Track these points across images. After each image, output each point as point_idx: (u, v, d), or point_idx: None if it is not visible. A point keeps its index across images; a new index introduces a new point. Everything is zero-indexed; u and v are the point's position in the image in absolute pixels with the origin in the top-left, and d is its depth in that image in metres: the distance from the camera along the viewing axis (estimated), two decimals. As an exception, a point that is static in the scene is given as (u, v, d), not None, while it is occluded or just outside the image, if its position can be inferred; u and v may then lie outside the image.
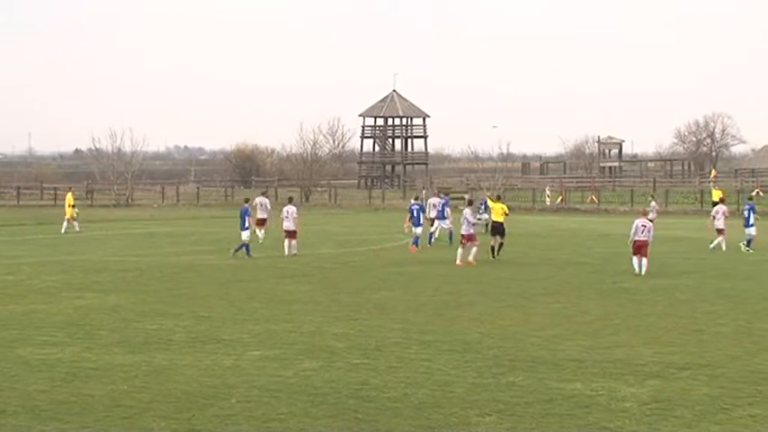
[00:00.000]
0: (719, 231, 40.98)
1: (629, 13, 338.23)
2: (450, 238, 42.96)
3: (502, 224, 38.04)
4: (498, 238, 37.67)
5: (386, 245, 44.96)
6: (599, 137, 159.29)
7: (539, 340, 19.94)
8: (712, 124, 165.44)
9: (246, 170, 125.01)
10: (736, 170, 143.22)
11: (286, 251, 38.13)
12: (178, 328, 21.40)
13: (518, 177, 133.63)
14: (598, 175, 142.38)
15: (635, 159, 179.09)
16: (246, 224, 38.52)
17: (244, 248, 38.02)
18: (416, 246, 41.75)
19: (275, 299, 26.19)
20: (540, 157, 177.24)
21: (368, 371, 16.99)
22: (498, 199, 41.64)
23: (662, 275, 31.19)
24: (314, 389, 15.67)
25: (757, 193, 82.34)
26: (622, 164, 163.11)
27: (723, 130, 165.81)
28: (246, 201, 41.80)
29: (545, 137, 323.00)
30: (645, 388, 15.66)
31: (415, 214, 42.77)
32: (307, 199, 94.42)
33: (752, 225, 40.95)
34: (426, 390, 15.60)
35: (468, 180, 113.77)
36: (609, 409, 14.38)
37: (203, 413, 14.30)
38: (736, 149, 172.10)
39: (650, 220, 45.54)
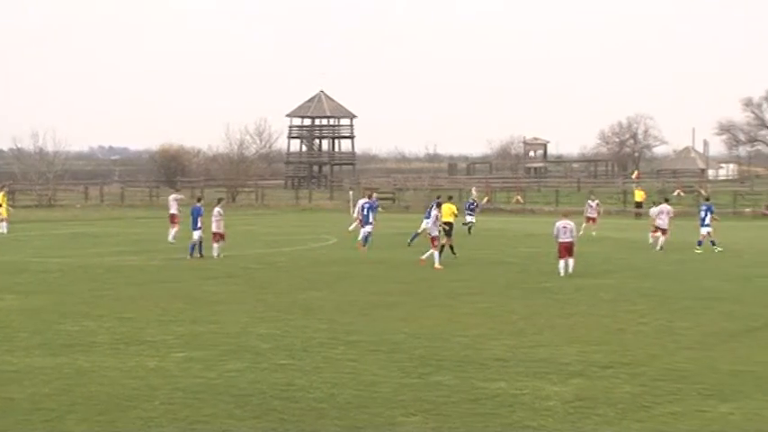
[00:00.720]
0: (662, 231, 41.67)
1: (554, 16, 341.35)
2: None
3: (452, 224, 38.97)
4: (448, 238, 37.98)
5: (317, 244, 44.87)
6: (525, 138, 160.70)
7: (465, 340, 20.03)
8: (635, 125, 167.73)
9: (172, 170, 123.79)
10: (658, 171, 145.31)
11: (215, 253, 37.61)
12: (101, 330, 21.16)
13: (444, 178, 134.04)
14: (524, 175, 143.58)
15: (560, 160, 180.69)
16: (199, 224, 38.14)
17: (195, 247, 37.76)
18: (365, 245, 42.01)
19: (200, 300, 26.01)
20: (467, 158, 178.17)
21: (293, 371, 16.94)
22: (449, 199, 42.15)
23: (585, 275, 31.50)
24: (238, 390, 15.59)
25: (678, 193, 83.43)
26: (547, 164, 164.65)
27: (645, 131, 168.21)
28: (199, 200, 41.49)
29: (472, 138, 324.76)
30: (568, 386, 15.81)
31: (365, 212, 43.17)
32: (233, 199, 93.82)
33: (707, 225, 41.66)
34: (352, 390, 15.60)
35: (396, 180, 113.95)
36: (533, 408, 14.50)
37: (126, 415, 14.16)
38: (659, 150, 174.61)
39: (592, 219, 46.29)
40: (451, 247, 37.71)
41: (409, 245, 41.77)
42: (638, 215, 67.51)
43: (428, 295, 27.08)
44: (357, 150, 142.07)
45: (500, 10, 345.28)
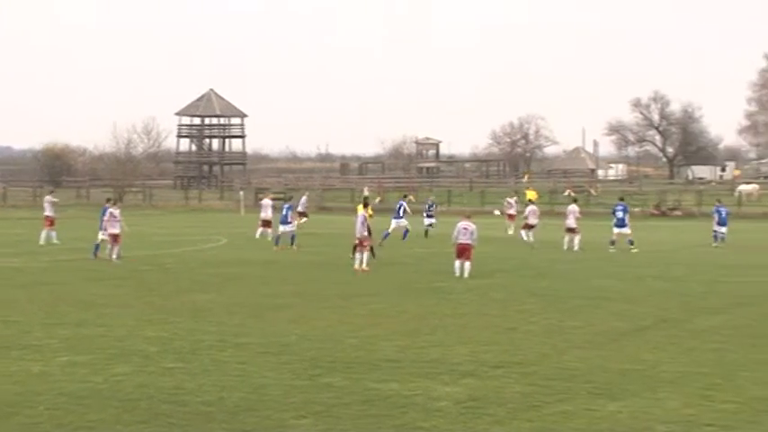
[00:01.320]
0: (572, 230, 42.24)
1: (443, 15, 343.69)
2: (277, 242, 42.83)
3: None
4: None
5: (207, 245, 44.36)
6: (417, 138, 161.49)
7: (356, 341, 19.91)
8: (526, 126, 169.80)
9: (56, 170, 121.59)
10: (549, 171, 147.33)
11: (114, 255, 36.49)
12: (-18, 334, 20.53)
13: (337, 178, 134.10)
14: (416, 175, 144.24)
15: (452, 160, 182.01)
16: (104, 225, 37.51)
17: (98, 247, 37.22)
18: (276, 241, 42.68)
19: (86, 302, 25.42)
20: (359, 158, 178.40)
21: (182, 375, 16.62)
22: (365, 200, 42.57)
23: (477, 275, 31.61)
24: (125, 394, 15.22)
25: (569, 193, 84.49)
26: (440, 164, 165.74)
27: (537, 132, 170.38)
28: (108, 201, 40.78)
29: (364, 138, 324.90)
30: (459, 387, 15.79)
31: (284, 212, 43.76)
32: (120, 199, 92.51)
33: (626, 225, 42.44)
34: (241, 393, 15.35)
35: (287, 180, 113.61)
36: (425, 409, 14.42)
37: (8, 422, 13.72)
38: (550, 150, 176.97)
39: (511, 216, 46.71)
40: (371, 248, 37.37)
41: (381, 245, 41.70)
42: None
43: (319, 296, 26.90)
44: (248, 150, 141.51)
45: (389, 7, 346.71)
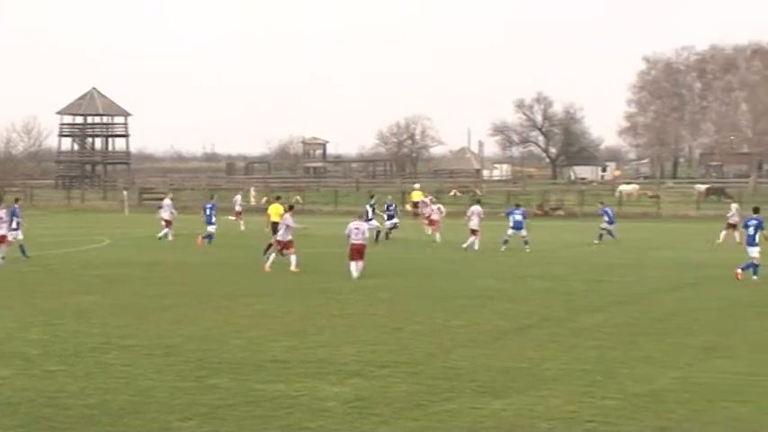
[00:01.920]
0: (473, 232, 42.61)
1: (329, 16, 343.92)
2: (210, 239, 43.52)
3: (278, 224, 37.81)
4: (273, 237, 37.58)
5: (90, 246, 43.66)
6: (303, 137, 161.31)
7: (242, 342, 19.81)
8: (413, 126, 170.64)
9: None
10: (435, 171, 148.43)
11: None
12: None
13: (223, 178, 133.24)
14: (303, 175, 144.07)
15: (339, 160, 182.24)
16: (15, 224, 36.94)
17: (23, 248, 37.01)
18: (208, 240, 43.68)
19: (-35, 304, 24.83)
20: (246, 158, 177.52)
21: (64, 378, 16.35)
22: (277, 199, 42.69)
23: (364, 275, 31.68)
24: (5, 398, 14.93)
25: (455, 194, 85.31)
26: (326, 164, 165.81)
27: (423, 132, 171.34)
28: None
29: (250, 137, 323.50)
30: (346, 387, 15.82)
31: (208, 212, 44.95)
32: (0, 200, 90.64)
33: (523, 227, 42.99)
34: (126, 396, 15.17)
35: (172, 180, 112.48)
36: (311, 409, 14.43)
37: None
38: (436, 151, 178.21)
39: (429, 219, 46.97)
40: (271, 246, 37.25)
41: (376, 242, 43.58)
42: (415, 215, 68.63)
43: (205, 297, 26.69)
44: (132, 149, 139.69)
45: (271, 7, 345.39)
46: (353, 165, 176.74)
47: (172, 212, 47.69)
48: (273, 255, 33.93)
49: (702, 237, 51.74)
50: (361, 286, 28.95)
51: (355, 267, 31.21)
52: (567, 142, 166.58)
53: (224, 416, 14.08)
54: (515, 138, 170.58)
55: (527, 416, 14.11)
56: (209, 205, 45.26)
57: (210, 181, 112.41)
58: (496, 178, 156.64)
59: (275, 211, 39.96)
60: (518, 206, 45.75)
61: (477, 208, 44.11)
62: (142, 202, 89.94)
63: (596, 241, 46.02)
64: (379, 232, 46.79)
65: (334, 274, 31.70)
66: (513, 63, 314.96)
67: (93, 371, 16.94)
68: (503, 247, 41.63)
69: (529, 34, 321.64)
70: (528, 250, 41.34)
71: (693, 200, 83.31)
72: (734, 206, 49.84)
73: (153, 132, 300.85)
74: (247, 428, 13.54)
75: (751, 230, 31.65)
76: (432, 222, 49.31)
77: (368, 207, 47.15)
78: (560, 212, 76.50)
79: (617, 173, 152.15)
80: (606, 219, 47.52)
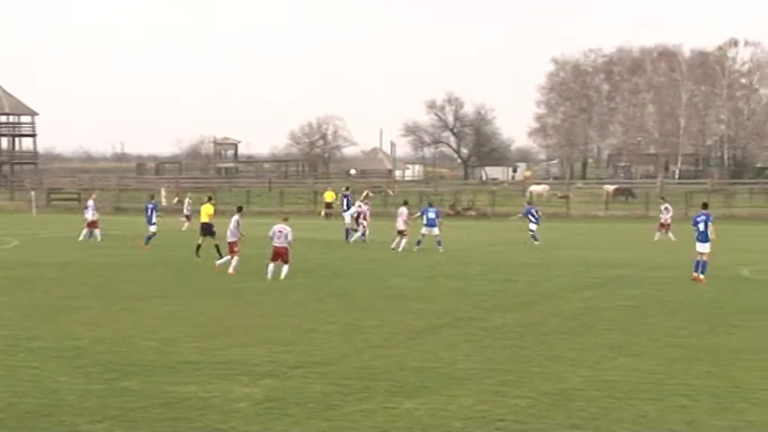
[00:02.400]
0: (401, 233, 42.78)
1: (233, 13, 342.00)
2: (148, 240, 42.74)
3: (210, 224, 38.61)
4: (204, 238, 38.20)
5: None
6: (215, 137, 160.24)
7: (153, 343, 19.62)
8: (325, 126, 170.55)
9: None
10: (347, 171, 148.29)
11: None
12: None
13: (133, 178, 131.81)
14: (214, 175, 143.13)
15: (251, 160, 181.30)
16: None
17: None
18: (146, 241, 42.91)
19: None
20: (156, 158, 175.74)
21: (-30, 381, 16.05)
22: (209, 200, 41.93)
23: (276, 276, 31.60)
24: None
25: (367, 194, 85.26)
26: (238, 165, 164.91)
27: (335, 132, 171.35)
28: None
29: (160, 137, 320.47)
30: (258, 388, 15.76)
31: (149, 213, 44.47)
32: None
33: (436, 225, 43.19)
34: (34, 398, 14.94)
35: (81, 180, 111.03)
36: (223, 411, 14.35)
37: None
38: (348, 151, 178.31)
39: (357, 220, 47.24)
40: (217, 247, 36.90)
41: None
42: (327, 215, 68.65)
43: (115, 298, 26.39)
44: (39, 149, 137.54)
45: (186, 3, 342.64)
46: (266, 165, 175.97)
47: (94, 213, 47.10)
48: (229, 257, 33.53)
49: (610, 237, 52.54)
50: (273, 287, 28.87)
51: (275, 269, 30.97)
52: (479, 143, 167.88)
53: (135, 418, 13.94)
54: (427, 138, 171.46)
55: (440, 415, 14.19)
56: (150, 205, 44.93)
57: (120, 181, 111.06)
58: (408, 178, 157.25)
59: (206, 211, 39.65)
60: (431, 205, 46.05)
61: (403, 210, 44.41)
62: (50, 203, 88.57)
63: (535, 243, 45.84)
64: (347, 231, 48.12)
65: (246, 275, 31.54)
66: (424, 63, 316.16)
67: (1, 373, 16.67)
68: (416, 248, 41.80)
69: (439, 34, 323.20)
70: (441, 251, 41.58)
71: (602, 200, 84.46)
72: (665, 206, 50.85)
73: (61, 132, 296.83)
74: (159, 431, 13.43)
75: (701, 227, 31.23)
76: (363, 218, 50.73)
77: (343, 199, 48.53)
78: (472, 212, 77.01)
79: (528, 173, 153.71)
80: (533, 219, 47.89)
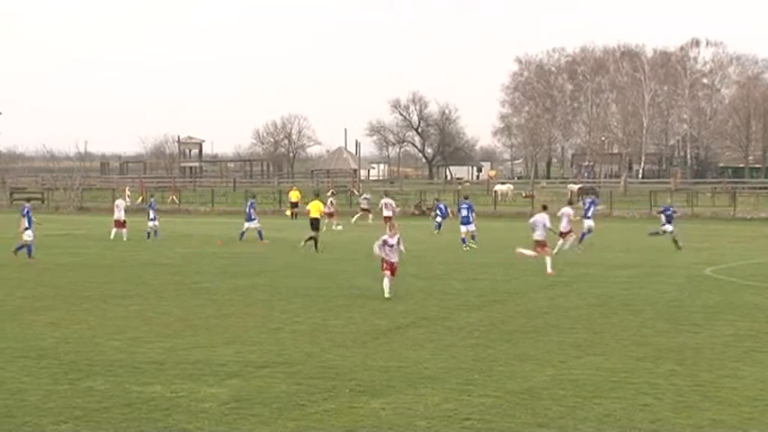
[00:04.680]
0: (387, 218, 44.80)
1: (201, 8, 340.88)
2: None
3: (318, 220, 42.41)
4: (316, 233, 41.58)
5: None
6: (179, 137, 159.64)
7: (117, 343, 19.53)
8: (289, 126, 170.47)
9: None
10: (312, 171, 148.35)
11: None
12: None
13: (97, 177, 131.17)
14: (179, 175, 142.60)
15: (215, 160, 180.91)
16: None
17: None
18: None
19: None
20: (120, 157, 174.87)
21: (-68, 383, 15.91)
22: (317, 197, 44.87)
23: (241, 275, 31.56)
24: None
25: (332, 193, 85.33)
26: (203, 164, 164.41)
27: (300, 132, 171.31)
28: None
29: (125, 136, 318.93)
30: (224, 388, 15.72)
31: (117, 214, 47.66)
32: None
33: (471, 222, 44.18)
34: (-3, 400, 14.84)
35: (45, 180, 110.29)
36: (189, 411, 14.30)
37: None
38: (313, 150, 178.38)
39: (330, 214, 47.88)
40: (310, 238, 41.11)
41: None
42: (293, 215, 68.54)
43: (79, 298, 26.25)
44: (1, 148, 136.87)
45: (142, 8, 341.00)
46: (230, 164, 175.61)
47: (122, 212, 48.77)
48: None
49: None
50: (238, 286, 28.80)
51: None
52: (443, 142, 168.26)
53: (99, 419, 13.86)
54: (392, 138, 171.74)
55: (405, 414, 14.20)
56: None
57: (84, 180, 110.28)
58: (374, 178, 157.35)
59: (315, 207, 42.60)
60: (466, 198, 47.73)
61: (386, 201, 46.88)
62: (13, 203, 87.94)
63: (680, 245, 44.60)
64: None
65: (210, 275, 31.45)
66: (388, 63, 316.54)
67: (-37, 375, 16.54)
68: (465, 248, 42.30)
69: (404, 34, 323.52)
70: (474, 246, 42.17)
71: (566, 199, 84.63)
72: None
73: (23, 131, 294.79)
74: (124, 431, 13.35)
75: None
76: (330, 215, 53.97)
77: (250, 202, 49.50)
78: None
79: (492, 173, 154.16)
80: (439, 214, 51.19)
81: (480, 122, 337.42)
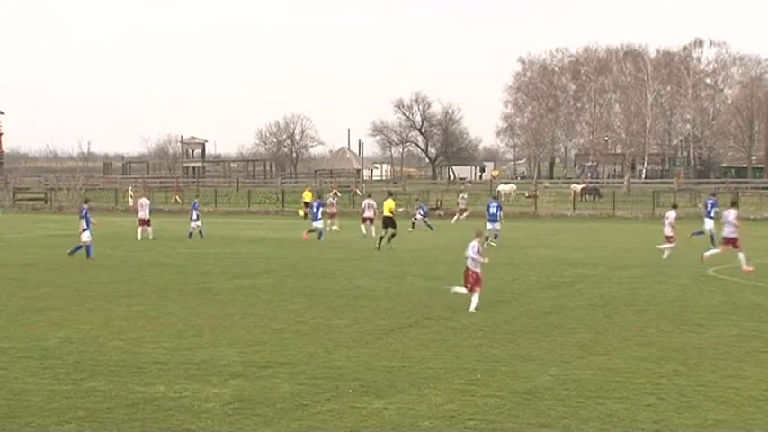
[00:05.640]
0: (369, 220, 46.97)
1: (201, 10, 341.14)
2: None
3: (392, 218, 43.60)
4: (390, 229, 42.92)
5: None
6: (182, 137, 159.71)
7: (121, 343, 19.54)
8: (292, 126, 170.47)
9: None
10: (315, 171, 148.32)
11: None
12: None
13: (100, 177, 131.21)
14: (182, 175, 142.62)
15: (218, 160, 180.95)
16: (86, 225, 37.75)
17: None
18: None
19: None
20: (123, 157, 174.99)
21: (-65, 383, 15.92)
22: (390, 195, 46.38)
23: (244, 276, 31.56)
24: None
25: (335, 193, 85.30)
26: (206, 164, 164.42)
27: (303, 132, 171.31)
28: (87, 201, 41.57)
29: (128, 136, 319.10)
30: (228, 388, 15.72)
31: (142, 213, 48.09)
32: None
33: (498, 220, 45.16)
34: (1, 399, 14.85)
35: (48, 180, 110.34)
36: (192, 411, 14.30)
37: None
38: (316, 151, 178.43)
39: (332, 215, 48.68)
40: (392, 236, 42.56)
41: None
42: (306, 215, 68.27)
43: (82, 298, 26.25)
44: (5, 149, 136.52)
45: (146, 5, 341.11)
46: (233, 165, 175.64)
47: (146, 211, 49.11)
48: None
49: (578, 236, 52.69)
50: (241, 286, 28.79)
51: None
52: (446, 143, 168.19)
53: (102, 419, 13.87)
54: (395, 138, 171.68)
55: (409, 414, 14.20)
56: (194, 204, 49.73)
57: (87, 181, 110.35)
58: (377, 178, 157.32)
59: (388, 206, 43.88)
60: (495, 198, 48.27)
61: (368, 201, 47.95)
62: (16, 203, 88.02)
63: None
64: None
65: (214, 275, 31.46)
66: (391, 63, 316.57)
67: (-34, 375, 16.55)
68: (486, 244, 42.54)
69: (407, 34, 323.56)
70: (493, 245, 42.50)
71: (569, 199, 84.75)
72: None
73: (27, 132, 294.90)
74: (127, 431, 13.36)
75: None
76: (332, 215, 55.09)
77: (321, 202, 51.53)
78: (440, 212, 77.01)
79: (495, 173, 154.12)
80: (421, 212, 53.63)
81: (483, 122, 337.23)
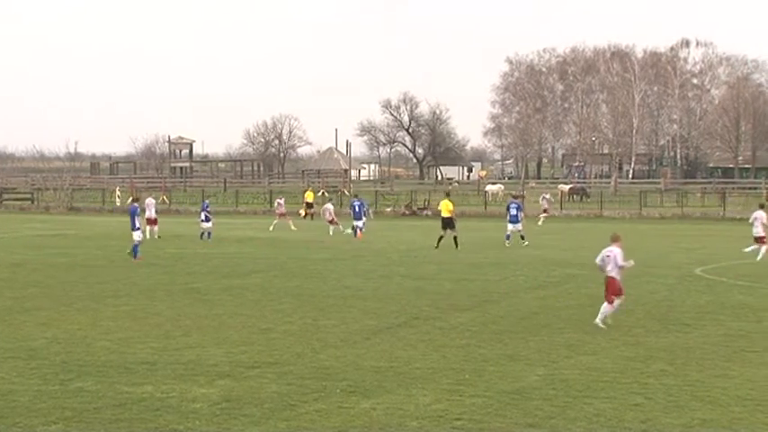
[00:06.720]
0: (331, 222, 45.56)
1: (199, 17, 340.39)
2: None
3: (451, 218, 43.23)
4: (449, 230, 42.72)
5: None
6: (169, 137, 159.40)
7: (108, 344, 19.51)
8: (280, 126, 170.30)
9: None
10: (303, 171, 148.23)
11: None
12: None
13: (87, 177, 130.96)
14: (169, 175, 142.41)
15: (206, 160, 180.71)
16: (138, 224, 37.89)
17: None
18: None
19: None
20: (110, 157, 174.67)
21: (-77, 383, 15.87)
22: (447, 195, 45.67)
23: (232, 276, 31.54)
24: None
25: (323, 193, 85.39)
26: (193, 164, 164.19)
27: (290, 132, 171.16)
28: (136, 199, 42.24)
29: (115, 136, 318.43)
30: (215, 388, 15.71)
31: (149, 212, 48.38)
32: None
33: (519, 221, 44.98)
34: (-13, 400, 14.81)
35: (35, 180, 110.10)
36: (179, 411, 14.29)
37: None
38: (303, 151, 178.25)
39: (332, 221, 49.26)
40: (455, 239, 42.20)
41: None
42: (307, 215, 68.13)
43: (69, 298, 26.19)
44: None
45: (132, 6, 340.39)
46: (221, 164, 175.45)
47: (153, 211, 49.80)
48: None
49: (565, 236, 52.77)
50: (229, 286, 28.77)
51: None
52: (434, 143, 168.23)
53: (90, 419, 13.85)
54: (382, 138, 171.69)
55: (396, 415, 14.21)
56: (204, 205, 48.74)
57: (74, 181, 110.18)
58: (364, 178, 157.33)
59: (446, 206, 43.54)
60: (515, 197, 48.20)
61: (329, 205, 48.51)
62: (2, 203, 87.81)
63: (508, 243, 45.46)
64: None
65: (201, 275, 31.43)
66: (379, 63, 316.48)
67: (-46, 376, 16.51)
68: (507, 243, 43.86)
69: (394, 34, 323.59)
70: (525, 244, 42.89)
71: (557, 200, 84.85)
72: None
73: (13, 131, 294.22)
74: (114, 431, 13.36)
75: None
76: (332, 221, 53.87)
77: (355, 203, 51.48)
78: (427, 212, 77.11)
79: (483, 173, 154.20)
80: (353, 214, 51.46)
81: (471, 123, 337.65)
